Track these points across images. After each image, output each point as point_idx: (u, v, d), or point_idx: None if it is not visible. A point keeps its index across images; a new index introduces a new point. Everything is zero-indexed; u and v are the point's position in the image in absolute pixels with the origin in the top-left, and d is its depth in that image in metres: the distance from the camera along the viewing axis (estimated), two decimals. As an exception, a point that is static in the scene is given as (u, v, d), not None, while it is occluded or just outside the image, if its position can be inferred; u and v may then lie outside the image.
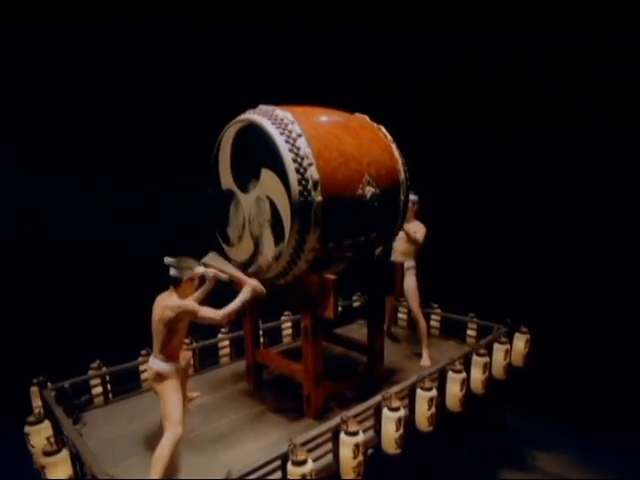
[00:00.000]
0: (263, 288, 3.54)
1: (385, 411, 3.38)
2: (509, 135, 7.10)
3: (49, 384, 3.91)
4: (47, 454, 2.95)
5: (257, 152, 3.59)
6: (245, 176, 3.83)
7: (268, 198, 3.62)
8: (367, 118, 4.32)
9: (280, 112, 3.60)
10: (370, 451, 3.45)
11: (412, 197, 5.10)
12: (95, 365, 4.24)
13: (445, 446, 4.15)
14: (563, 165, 7.02)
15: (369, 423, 3.52)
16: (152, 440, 3.52)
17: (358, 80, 6.53)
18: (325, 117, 3.85)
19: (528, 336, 4.89)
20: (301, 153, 3.39)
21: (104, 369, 4.24)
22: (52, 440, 3.05)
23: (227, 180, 4.01)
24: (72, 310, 5.04)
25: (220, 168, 4.04)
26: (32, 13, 4.27)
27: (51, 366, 4.07)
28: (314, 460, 3.10)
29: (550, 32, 6.33)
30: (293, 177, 3.35)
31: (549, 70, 6.78)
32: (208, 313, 3.25)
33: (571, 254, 7.09)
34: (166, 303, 3.18)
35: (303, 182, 3.37)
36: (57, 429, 3.43)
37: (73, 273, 4.99)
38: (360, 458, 3.08)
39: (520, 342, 4.88)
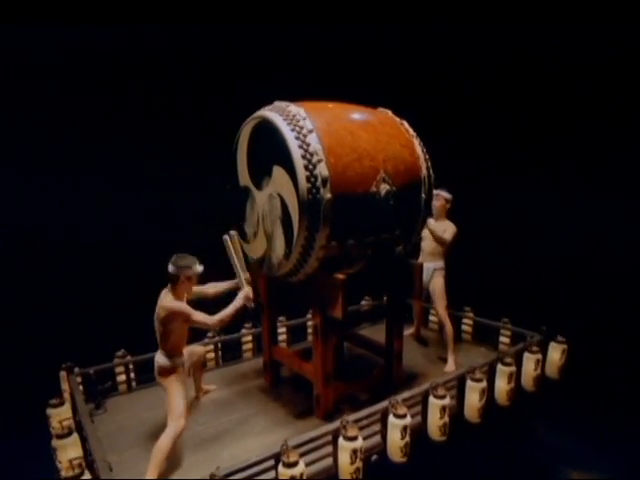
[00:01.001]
0: (252, 299, 3.57)
1: (391, 418, 3.26)
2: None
3: (76, 369, 4.14)
4: (58, 436, 3.11)
5: (270, 149, 3.57)
6: (260, 173, 3.83)
7: (279, 195, 3.59)
8: (389, 113, 4.18)
9: (293, 108, 3.55)
10: (374, 457, 3.35)
11: (446, 195, 4.92)
12: (120, 354, 4.42)
13: (462, 457, 3.95)
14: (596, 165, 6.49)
15: (377, 427, 3.43)
16: (161, 430, 3.60)
17: (391, 76, 6.37)
18: (341, 113, 3.75)
19: (565, 346, 4.53)
20: (311, 149, 3.33)
21: (128, 358, 4.42)
22: (64, 423, 3.21)
23: (244, 177, 4.03)
24: (105, 301, 5.29)
25: (238, 165, 4.07)
26: (32, 13, 4.39)
27: (85, 354, 4.29)
28: (313, 462, 3.08)
29: (586, 30, 5.93)
30: (301, 174, 3.29)
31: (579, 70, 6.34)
32: (201, 318, 3.28)
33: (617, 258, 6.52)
34: (161, 302, 3.24)
35: (312, 179, 3.30)
36: (75, 413, 3.62)
37: (104, 264, 5.22)
38: (358, 464, 2.98)
39: (556, 353, 4.54)
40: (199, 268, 3.41)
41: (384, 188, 3.61)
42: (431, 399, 3.52)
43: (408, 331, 5.77)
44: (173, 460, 3.29)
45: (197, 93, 5.10)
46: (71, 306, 5.20)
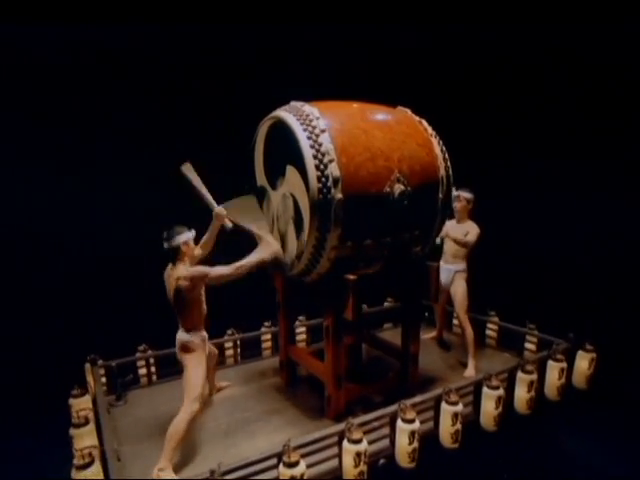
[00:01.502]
0: (225, 216, 3.60)
1: (399, 422, 3.20)
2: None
3: (100, 362, 4.31)
4: (75, 425, 3.24)
5: (285, 149, 3.58)
6: (275, 173, 3.85)
7: (292, 195, 3.60)
8: (408, 112, 4.10)
9: (307, 108, 3.55)
10: (382, 461, 3.31)
11: (467, 195, 4.79)
12: (142, 348, 4.56)
13: (476, 466, 3.83)
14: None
15: (387, 431, 3.38)
16: (197, 422, 3.70)
17: (416, 76, 6.27)
18: (356, 112, 3.71)
19: (593, 355, 4.32)
20: (322, 149, 3.31)
21: (149, 352, 4.55)
22: (81, 413, 3.34)
23: (261, 177, 4.07)
24: (129, 297, 5.47)
25: (255, 165, 4.11)
26: (32, 13, 4.47)
27: (110, 348, 4.46)
28: (318, 463, 3.08)
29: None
30: (312, 174, 3.28)
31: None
32: (218, 271, 3.32)
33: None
34: (177, 274, 3.31)
35: (323, 179, 3.29)
36: (95, 404, 3.76)
37: (128, 261, 5.39)
38: (362, 467, 2.96)
39: (584, 361, 4.33)
40: (190, 232, 3.48)
41: (398, 188, 3.55)
42: (443, 405, 3.44)
43: (430, 334, 5.68)
44: (182, 454, 3.35)
45: (210, 93, 5.15)
46: (97, 302, 5.39)
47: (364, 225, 3.53)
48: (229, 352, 4.98)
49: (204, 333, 3.58)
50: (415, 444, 3.19)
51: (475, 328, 5.24)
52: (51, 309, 5.14)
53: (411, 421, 3.18)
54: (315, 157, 3.30)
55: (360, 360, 4.88)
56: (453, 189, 4.65)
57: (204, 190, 3.64)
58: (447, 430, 3.44)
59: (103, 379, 4.28)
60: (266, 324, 5.20)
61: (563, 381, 4.15)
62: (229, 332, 4.98)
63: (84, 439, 3.21)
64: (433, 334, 5.61)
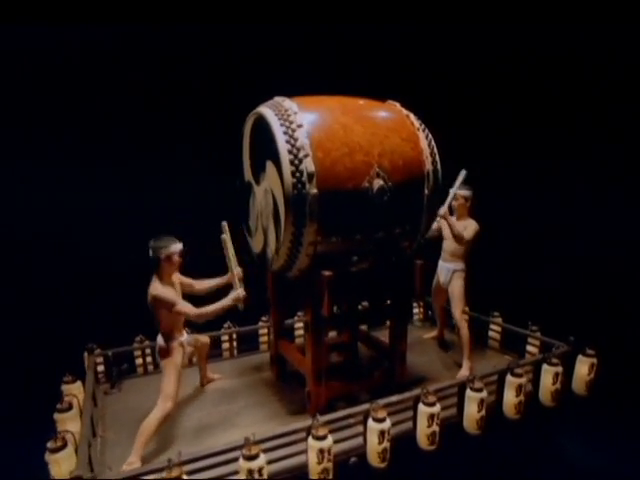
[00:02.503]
0: (242, 300, 3.52)
1: (370, 421, 3.16)
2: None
3: (97, 351, 4.47)
4: (58, 410, 3.39)
5: (265, 144, 3.59)
6: (259, 168, 3.87)
7: (271, 190, 3.61)
8: (397, 106, 4.02)
9: (288, 103, 3.54)
10: (353, 459, 3.27)
11: (464, 193, 4.65)
12: (138, 339, 4.70)
13: (458, 468, 3.73)
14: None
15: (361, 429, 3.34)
16: (184, 412, 3.91)
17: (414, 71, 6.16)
18: (338, 107, 3.66)
19: (594, 360, 4.11)
20: (298, 144, 3.30)
21: (146, 343, 4.68)
22: (66, 399, 3.49)
23: (247, 173, 4.10)
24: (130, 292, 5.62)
25: (243, 161, 4.14)
26: (31, 13, 4.54)
27: (113, 339, 4.61)
28: (284, 458, 3.08)
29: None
30: (287, 169, 3.28)
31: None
32: (184, 308, 3.37)
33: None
34: (149, 289, 3.37)
35: (297, 174, 3.28)
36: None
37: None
38: (326, 464, 2.93)
39: (583, 367, 4.13)
40: (176, 247, 3.50)
41: (377, 183, 3.48)
42: (420, 406, 3.36)
43: (432, 334, 5.57)
44: (159, 443, 3.45)
45: (202, 90, 5.18)
46: (100, 295, 5.55)
47: (343, 221, 3.49)
48: (225, 345, 5.06)
49: (182, 337, 3.64)
50: (385, 444, 3.14)
51: (477, 329, 5.13)
52: (56, 303, 5.34)
53: (381, 420, 3.13)
54: (290, 152, 3.29)
55: (356, 358, 4.86)
56: (457, 186, 4.56)
57: (231, 252, 3.64)
58: (423, 431, 3.36)
59: (101, 367, 4.46)
60: (264, 319, 5.24)
61: (558, 386, 3.97)
62: (225, 325, 5.06)
63: (66, 424, 3.35)
64: (434, 334, 5.50)
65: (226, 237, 3.64)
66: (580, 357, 4.16)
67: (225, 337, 5.03)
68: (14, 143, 4.79)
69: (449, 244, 4.78)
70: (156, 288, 3.34)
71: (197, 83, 5.12)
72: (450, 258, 4.79)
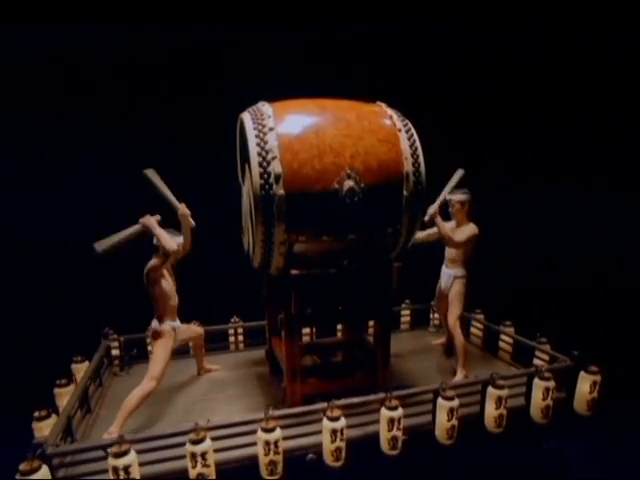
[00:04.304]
0: (189, 213, 3.88)
1: (324, 419, 3.20)
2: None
3: (113, 336, 4.91)
4: (57, 385, 3.82)
5: (245, 147, 3.75)
6: (244, 170, 4.04)
7: (248, 191, 3.76)
8: (383, 106, 4.00)
9: (265, 107, 3.68)
10: (310, 456, 3.32)
11: (458, 197, 4.51)
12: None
13: (422, 474, 3.62)
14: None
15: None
16: (160, 398, 4.14)
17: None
18: (314, 109, 3.72)
19: (597, 378, 3.79)
20: (267, 147, 3.42)
21: (157, 331, 5.05)
22: (64, 381, 3.90)
23: (239, 174, 4.29)
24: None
25: (237, 163, 4.35)
26: (31, 12, 4.68)
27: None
28: (238, 447, 3.21)
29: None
30: (255, 170, 3.41)
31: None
32: (164, 246, 3.74)
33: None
34: (145, 270, 3.73)
35: (265, 175, 3.40)
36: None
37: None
38: (273, 457, 3.02)
39: (585, 384, 3.83)
40: (177, 241, 3.85)
41: (347, 185, 3.50)
42: (382, 410, 3.33)
43: (440, 340, 5.42)
44: (139, 421, 3.73)
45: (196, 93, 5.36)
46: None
47: (312, 221, 3.55)
48: (232, 339, 5.31)
49: (174, 323, 3.97)
50: (339, 443, 3.16)
51: (489, 338, 4.92)
52: (83, 291, 5.76)
53: (334, 419, 3.16)
54: (259, 154, 3.43)
55: (350, 358, 4.85)
56: (451, 186, 4.44)
57: (168, 192, 3.88)
58: (384, 435, 3.33)
59: (115, 351, 4.90)
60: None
61: (549, 402, 3.71)
62: (232, 320, 5.31)
63: (63, 398, 3.76)
64: (442, 340, 5.33)
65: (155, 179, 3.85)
66: (582, 374, 3.86)
67: (231, 331, 5.28)
68: (12, 143, 5.08)
69: (449, 250, 4.67)
70: (149, 264, 3.80)
71: (200, 84, 5.29)
72: (450, 264, 4.66)
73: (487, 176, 4.69)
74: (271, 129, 3.48)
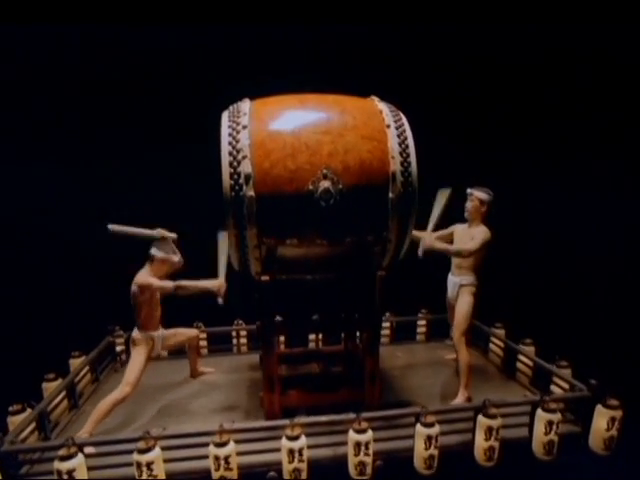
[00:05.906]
0: (222, 293, 3.74)
1: (283, 438, 2.98)
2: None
3: (118, 332, 5.00)
4: (46, 379, 3.92)
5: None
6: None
7: (225, 192, 3.62)
8: (374, 101, 3.69)
9: (244, 104, 3.52)
10: (271, 473, 3.12)
11: (481, 195, 4.10)
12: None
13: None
14: None
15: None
16: (152, 396, 4.17)
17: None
18: (295, 105, 3.50)
19: (616, 413, 3.25)
20: (239, 146, 3.25)
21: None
22: (52, 375, 3.98)
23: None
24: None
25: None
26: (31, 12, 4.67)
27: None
28: (190, 459, 3.07)
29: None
30: (226, 170, 3.25)
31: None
32: (161, 283, 3.70)
33: None
34: (135, 278, 3.71)
35: (235, 176, 3.23)
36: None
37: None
38: (223, 472, 2.86)
39: (602, 419, 3.30)
40: (175, 259, 3.81)
41: (322, 186, 3.25)
42: (350, 432, 3.05)
43: (452, 355, 4.96)
44: (117, 420, 3.73)
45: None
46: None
47: (287, 225, 3.34)
48: (234, 341, 5.23)
49: (154, 333, 3.93)
50: (297, 463, 2.94)
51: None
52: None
53: (294, 438, 2.94)
54: (230, 154, 3.26)
55: (350, 370, 4.58)
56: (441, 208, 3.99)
57: (138, 231, 3.75)
58: (351, 460, 3.05)
59: (120, 347, 4.99)
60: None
61: (553, 437, 3.22)
62: (236, 322, 5.22)
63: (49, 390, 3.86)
64: (455, 355, 4.88)
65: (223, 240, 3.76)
66: (599, 408, 3.33)
67: (234, 333, 5.20)
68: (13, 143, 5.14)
69: (456, 255, 4.22)
70: (141, 277, 3.71)
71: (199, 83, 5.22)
72: (456, 271, 4.23)
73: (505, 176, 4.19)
74: (244, 127, 3.31)
